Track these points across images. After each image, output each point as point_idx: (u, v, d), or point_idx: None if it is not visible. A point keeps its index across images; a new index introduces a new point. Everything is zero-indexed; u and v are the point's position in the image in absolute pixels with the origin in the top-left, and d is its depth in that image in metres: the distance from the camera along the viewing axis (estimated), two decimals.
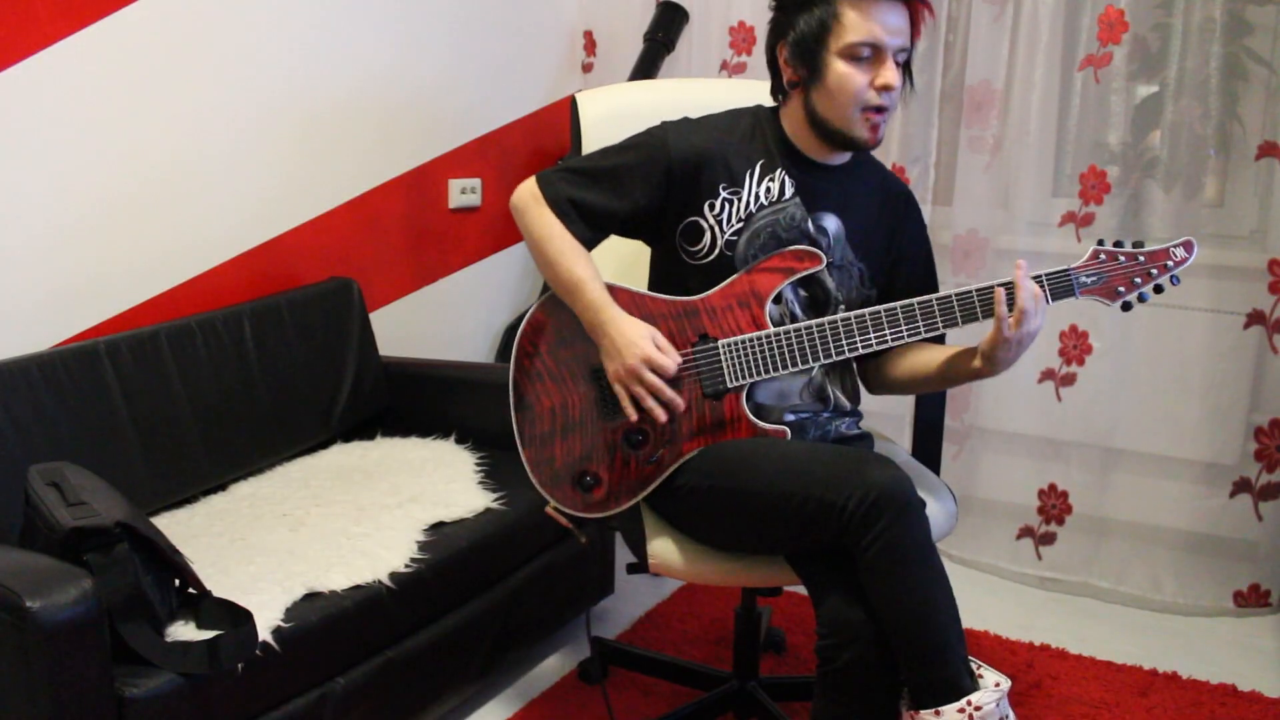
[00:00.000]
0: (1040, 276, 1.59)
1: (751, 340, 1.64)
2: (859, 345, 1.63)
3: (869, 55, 1.58)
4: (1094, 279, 1.60)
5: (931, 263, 1.84)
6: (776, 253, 1.66)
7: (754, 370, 1.64)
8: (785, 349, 1.63)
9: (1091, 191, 2.61)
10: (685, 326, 1.66)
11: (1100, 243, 1.61)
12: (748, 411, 1.65)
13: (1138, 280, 1.60)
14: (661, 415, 1.60)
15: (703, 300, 1.67)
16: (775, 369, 1.64)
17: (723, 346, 1.65)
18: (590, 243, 1.69)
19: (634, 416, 1.62)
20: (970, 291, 1.59)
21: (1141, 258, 1.61)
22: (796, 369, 1.64)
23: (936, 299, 1.61)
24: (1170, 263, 1.61)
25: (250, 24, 2.40)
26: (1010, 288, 1.55)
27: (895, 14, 1.58)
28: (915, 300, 1.62)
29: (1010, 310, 1.54)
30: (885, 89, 1.59)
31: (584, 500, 1.68)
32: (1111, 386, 2.65)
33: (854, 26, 1.57)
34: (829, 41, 1.59)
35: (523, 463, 1.71)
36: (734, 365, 1.64)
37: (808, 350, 1.63)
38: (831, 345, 1.63)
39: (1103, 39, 2.54)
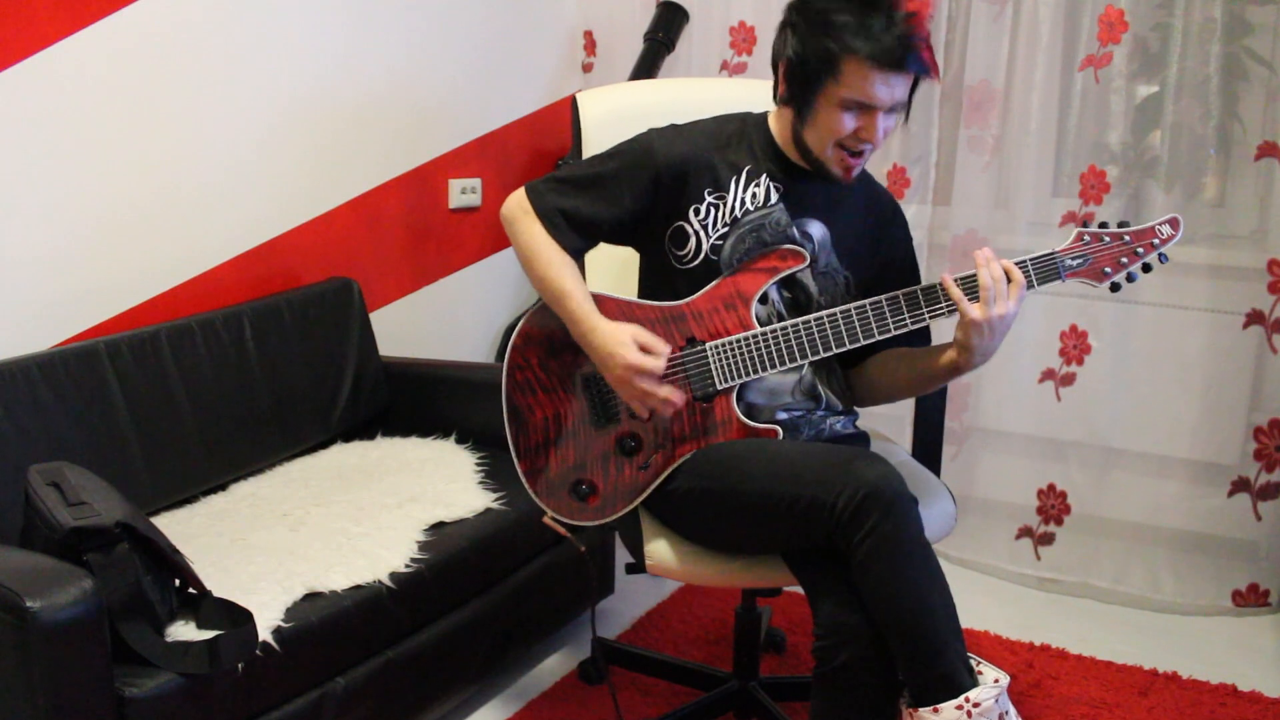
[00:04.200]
0: (1025, 261, 1.58)
1: (738, 341, 1.64)
2: (845, 341, 1.63)
3: (857, 110, 1.57)
4: (1079, 261, 1.59)
5: (916, 271, 1.84)
6: (760, 254, 1.67)
7: (742, 371, 1.64)
8: (772, 348, 1.64)
9: (1091, 191, 2.61)
10: (672, 331, 1.67)
11: (1084, 224, 1.61)
12: (738, 412, 1.65)
13: (1124, 260, 1.59)
14: (667, 412, 1.62)
15: (688, 304, 1.67)
16: (763, 369, 1.64)
17: (710, 349, 1.65)
18: (579, 252, 1.71)
19: (646, 415, 1.64)
20: (955, 280, 1.59)
21: (1127, 237, 1.60)
22: (784, 368, 1.65)
23: (920, 288, 1.61)
24: (1157, 240, 1.60)
25: (249, 26, 2.40)
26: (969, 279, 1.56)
27: (897, 79, 1.55)
28: (899, 292, 1.62)
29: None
30: (864, 141, 1.59)
31: (580, 508, 1.69)
32: (1110, 386, 2.66)
33: (851, 84, 1.54)
34: (826, 86, 1.57)
35: (518, 474, 1.72)
36: (722, 367, 1.64)
37: (794, 349, 1.63)
38: (819, 343, 1.63)
39: (1103, 39, 2.54)
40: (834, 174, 1.65)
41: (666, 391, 1.60)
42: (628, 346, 1.59)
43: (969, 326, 1.55)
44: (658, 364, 1.59)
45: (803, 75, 1.59)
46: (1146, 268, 1.61)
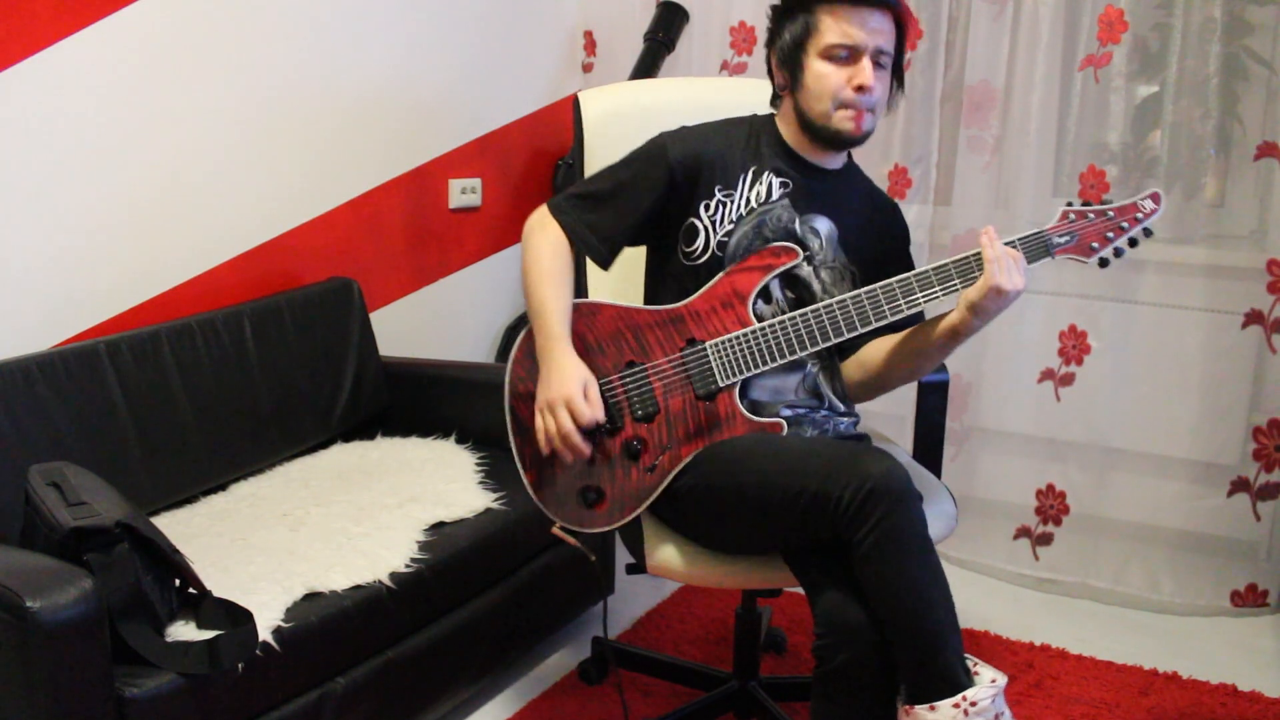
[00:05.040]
0: (1013, 241, 1.62)
1: (738, 338, 1.65)
2: (844, 330, 1.64)
3: (846, 56, 1.65)
4: (1067, 238, 1.64)
5: (913, 268, 1.85)
6: (754, 253, 1.69)
7: (743, 367, 1.65)
8: (772, 342, 1.64)
9: (1091, 191, 2.61)
10: (672, 333, 1.68)
11: (1069, 204, 1.66)
12: (742, 408, 1.65)
13: (1110, 235, 1.64)
14: (567, 458, 1.63)
15: (686, 306, 1.69)
16: (764, 363, 1.65)
17: (710, 347, 1.66)
18: (606, 261, 1.74)
19: (545, 449, 1.64)
20: (947, 263, 1.62)
21: (1111, 213, 1.65)
22: (784, 360, 1.65)
23: (914, 275, 1.62)
24: (1140, 214, 1.65)
25: (250, 24, 2.40)
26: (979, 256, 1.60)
27: (873, 17, 1.65)
28: (894, 280, 1.63)
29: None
30: (860, 89, 1.65)
31: (589, 515, 1.68)
32: (1110, 386, 2.66)
33: (830, 30, 1.65)
34: (809, 45, 1.67)
35: (525, 485, 1.72)
36: (723, 364, 1.65)
37: (794, 341, 1.64)
38: (817, 333, 1.64)
39: (1103, 39, 2.54)
40: (845, 132, 1.68)
41: (579, 441, 1.60)
42: (577, 384, 1.60)
43: (989, 292, 1.55)
44: (591, 415, 1.59)
45: (789, 46, 1.69)
46: (1133, 242, 1.65)
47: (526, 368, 1.72)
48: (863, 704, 1.47)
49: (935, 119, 2.79)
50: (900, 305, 1.62)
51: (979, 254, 1.60)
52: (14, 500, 1.71)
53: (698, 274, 1.70)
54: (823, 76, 1.65)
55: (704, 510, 1.64)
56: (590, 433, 1.62)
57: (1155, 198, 1.64)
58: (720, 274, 1.68)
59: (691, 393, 1.65)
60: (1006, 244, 1.60)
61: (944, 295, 1.62)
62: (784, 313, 1.69)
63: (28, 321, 2.06)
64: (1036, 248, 1.63)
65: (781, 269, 1.68)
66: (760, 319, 1.67)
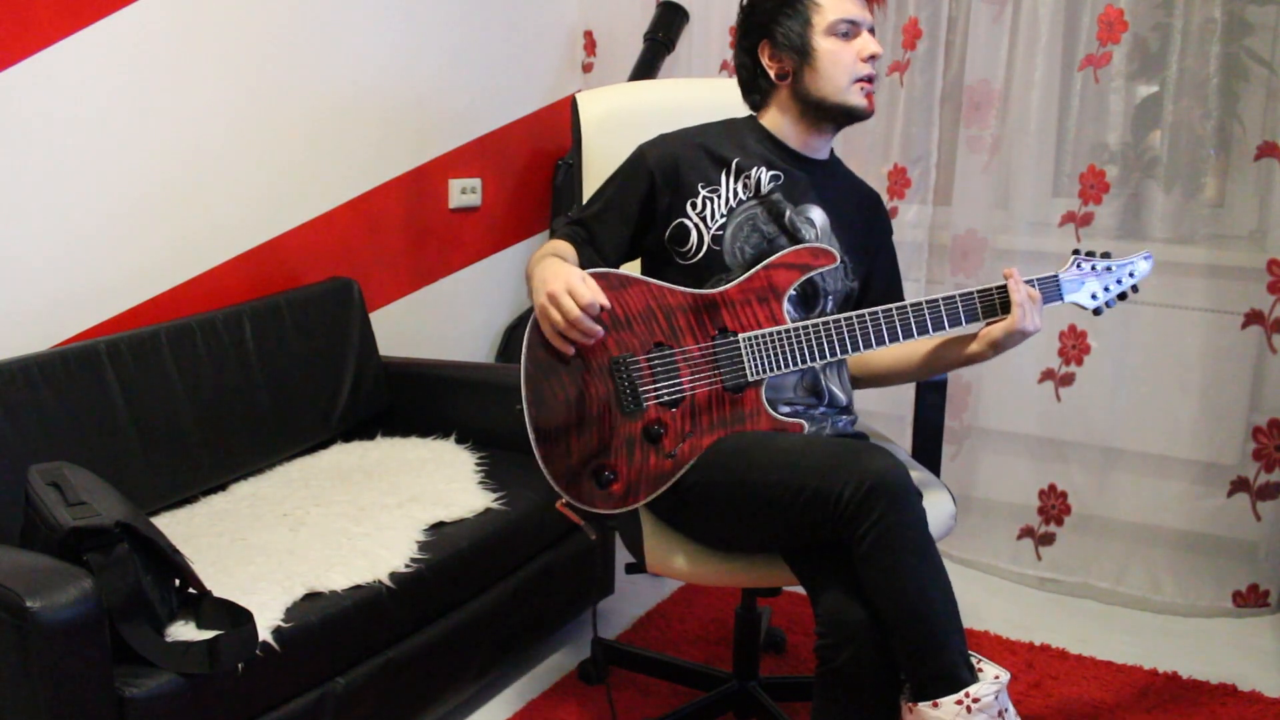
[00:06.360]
0: (1033, 281, 1.69)
1: (773, 334, 1.66)
2: (874, 343, 1.67)
3: (848, 31, 1.72)
4: (1076, 285, 1.73)
5: (896, 262, 1.94)
6: (792, 249, 1.70)
7: (776, 364, 1.66)
8: (805, 343, 1.66)
9: (1091, 191, 2.61)
10: (705, 319, 1.68)
11: (1076, 252, 1.75)
12: (767, 405, 1.66)
13: (1108, 288, 1.75)
14: (567, 350, 1.61)
15: (721, 294, 1.69)
16: (796, 363, 1.66)
17: (744, 340, 1.66)
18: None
19: (564, 349, 1.61)
20: (973, 296, 1.68)
21: (1113, 267, 1.75)
22: (816, 363, 1.67)
23: (943, 302, 1.68)
24: (1134, 273, 1.76)
25: (250, 24, 2.40)
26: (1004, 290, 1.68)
27: None
28: (924, 301, 1.67)
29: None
30: (872, 57, 1.72)
31: (602, 495, 1.66)
32: (1110, 386, 2.66)
33: (831, 7, 1.73)
34: (813, 25, 1.73)
35: (535, 457, 1.67)
36: (755, 359, 1.66)
37: (825, 345, 1.66)
38: (848, 341, 1.66)
39: (1102, 39, 2.54)
40: (859, 108, 1.74)
41: (589, 322, 1.57)
42: (574, 271, 1.58)
43: (1013, 334, 1.65)
44: (592, 296, 1.56)
45: (790, 34, 1.74)
46: (1122, 296, 1.76)
47: (538, 332, 1.68)
48: (865, 703, 1.47)
49: (935, 119, 2.79)
50: (929, 330, 1.68)
51: (1002, 288, 1.66)
52: (14, 500, 1.71)
53: (696, 271, 1.71)
54: (834, 53, 1.71)
55: (704, 507, 1.64)
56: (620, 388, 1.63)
57: (1147, 257, 1.77)
58: (758, 266, 1.69)
59: (720, 383, 1.66)
60: (1026, 282, 1.67)
61: (967, 321, 1.69)
62: (786, 311, 1.70)
63: (28, 321, 2.06)
64: (1051, 291, 1.71)
65: (819, 270, 1.70)
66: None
